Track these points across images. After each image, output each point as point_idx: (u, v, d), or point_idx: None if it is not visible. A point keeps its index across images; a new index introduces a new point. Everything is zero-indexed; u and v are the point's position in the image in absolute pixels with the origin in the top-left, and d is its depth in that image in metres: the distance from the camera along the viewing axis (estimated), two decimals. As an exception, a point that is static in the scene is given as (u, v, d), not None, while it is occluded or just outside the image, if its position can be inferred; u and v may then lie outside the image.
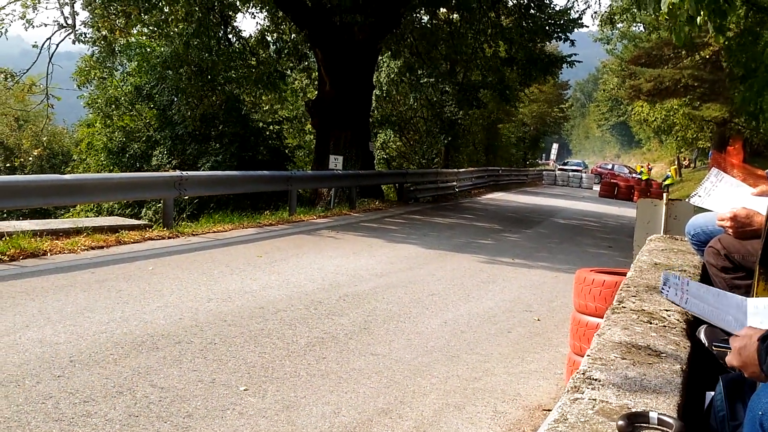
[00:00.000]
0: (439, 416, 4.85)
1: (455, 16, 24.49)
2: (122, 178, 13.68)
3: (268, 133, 25.72)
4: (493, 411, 5.05)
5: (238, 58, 21.54)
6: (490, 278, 10.14)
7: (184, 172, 13.43)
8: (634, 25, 35.04)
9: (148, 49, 23.20)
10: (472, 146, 43.52)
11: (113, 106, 24.96)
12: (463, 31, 23.95)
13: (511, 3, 24.48)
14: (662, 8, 7.17)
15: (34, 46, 19.77)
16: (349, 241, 12.57)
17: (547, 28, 24.35)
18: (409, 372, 5.67)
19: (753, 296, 2.53)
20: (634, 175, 49.19)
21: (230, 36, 22.72)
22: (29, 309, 6.41)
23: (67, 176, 12.34)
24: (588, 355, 2.33)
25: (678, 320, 2.82)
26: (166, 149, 23.56)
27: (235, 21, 23.62)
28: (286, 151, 26.79)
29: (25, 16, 19.30)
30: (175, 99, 23.32)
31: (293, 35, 23.61)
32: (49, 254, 9.03)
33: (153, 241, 10.81)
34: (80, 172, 23.52)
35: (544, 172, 54.69)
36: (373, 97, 26.77)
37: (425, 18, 24.61)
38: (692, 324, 2.88)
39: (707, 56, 38.54)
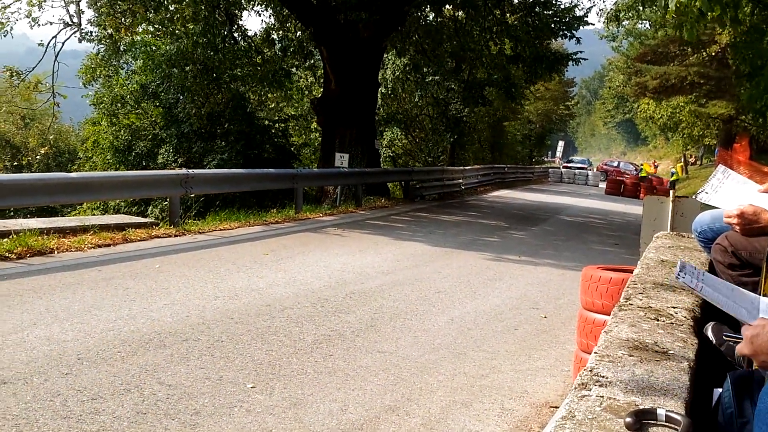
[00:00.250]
0: (446, 413, 4.85)
1: (460, 13, 24.45)
2: (129, 176, 13.70)
3: (273, 131, 25.77)
4: (500, 408, 5.05)
5: (243, 57, 21.57)
6: (497, 276, 10.14)
7: (191, 170, 13.44)
8: (640, 22, 34.93)
9: (153, 48, 23.24)
10: (477, 144, 43.53)
11: (119, 105, 25.01)
12: (469, 28, 23.91)
13: (516, 0, 24.42)
14: (670, 6, 7.15)
15: (39, 44, 19.80)
16: (356, 239, 12.58)
17: (552, 25, 24.29)
18: (416, 369, 5.68)
19: (761, 293, 2.54)
20: (634, 171, 49.15)
21: (235, 34, 22.74)
22: (37, 307, 6.43)
23: (73, 174, 12.38)
24: (595, 352, 2.33)
25: (685, 317, 2.81)
26: (172, 147, 23.59)
27: (241, 19, 23.64)
28: (292, 149, 26.84)
29: (30, 15, 19.32)
30: (181, 97, 23.39)
31: (298, 33, 23.58)
32: (56, 252, 9.06)
33: (160, 239, 10.84)
34: (86, 171, 23.56)
35: (549, 170, 54.58)
36: (379, 95, 26.77)
37: (430, 16, 24.55)
38: (700, 321, 2.88)
39: (713, 53, 38.45)
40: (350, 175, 18.42)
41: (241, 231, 12.51)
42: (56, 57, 19.90)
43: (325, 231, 13.36)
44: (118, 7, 19.13)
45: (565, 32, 24.55)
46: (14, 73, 20.83)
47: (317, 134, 28.38)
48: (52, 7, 20.53)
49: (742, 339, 1.95)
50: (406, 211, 18.79)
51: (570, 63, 26.89)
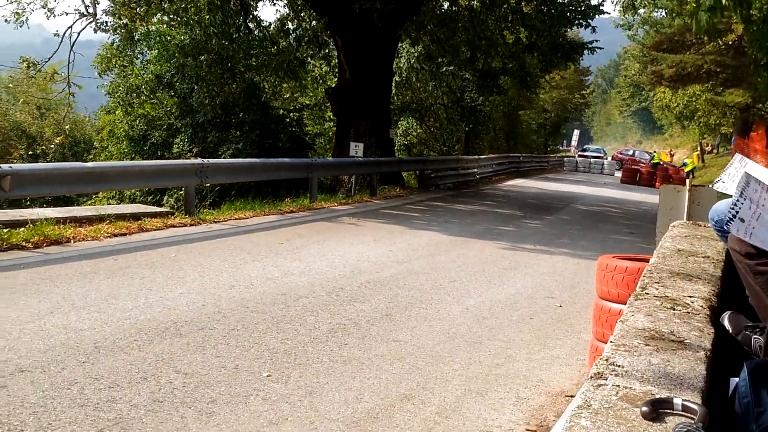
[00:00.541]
0: (461, 402, 4.86)
1: (475, 2, 24.32)
2: (144, 166, 13.72)
3: (288, 120, 25.75)
4: (515, 397, 5.06)
5: (258, 46, 21.55)
6: (512, 265, 10.13)
7: (206, 160, 13.47)
8: (656, 10, 34.72)
9: (168, 38, 23.26)
10: (492, 133, 43.43)
11: (134, 95, 25.04)
12: (484, 17, 23.76)
13: (531, -11, 24.30)
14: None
15: (55, 34, 19.90)
16: (371, 228, 12.59)
17: (568, 14, 24.16)
18: (431, 358, 5.69)
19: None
20: (650, 160, 48.90)
21: (250, 24, 22.74)
22: (53, 296, 6.48)
23: (89, 164, 12.44)
24: (611, 342, 2.33)
25: (702, 306, 2.80)
26: (187, 137, 23.61)
27: (256, 9, 23.65)
28: (307, 139, 26.81)
29: (46, 5, 19.41)
30: (196, 87, 23.38)
31: (313, 23, 23.54)
32: (72, 241, 9.10)
33: (175, 229, 10.89)
34: (102, 160, 23.64)
35: (565, 159, 54.38)
36: (393, 85, 26.71)
37: (445, 5, 24.45)
38: (716, 310, 2.87)
39: (730, 42, 38.09)
40: (365, 165, 18.41)
41: (256, 220, 12.54)
42: (72, 47, 19.95)
43: (340, 220, 13.38)
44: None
45: (581, 21, 24.38)
46: (30, 64, 20.93)
47: (332, 124, 28.38)
48: (67, -3, 20.58)
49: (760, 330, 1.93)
50: (421, 200, 18.78)
51: (585, 52, 26.77)
